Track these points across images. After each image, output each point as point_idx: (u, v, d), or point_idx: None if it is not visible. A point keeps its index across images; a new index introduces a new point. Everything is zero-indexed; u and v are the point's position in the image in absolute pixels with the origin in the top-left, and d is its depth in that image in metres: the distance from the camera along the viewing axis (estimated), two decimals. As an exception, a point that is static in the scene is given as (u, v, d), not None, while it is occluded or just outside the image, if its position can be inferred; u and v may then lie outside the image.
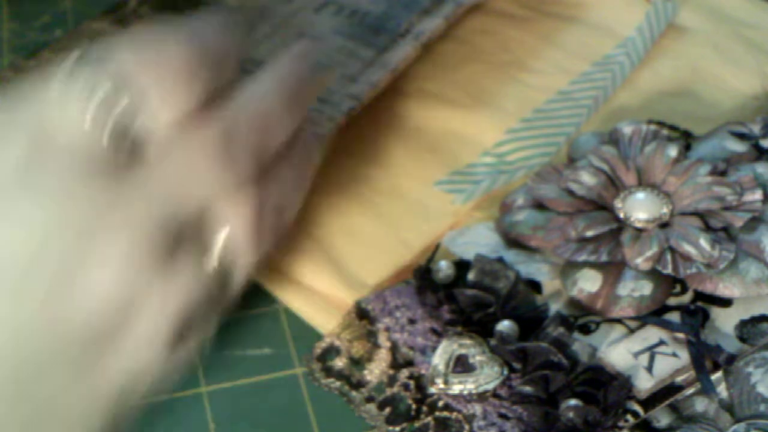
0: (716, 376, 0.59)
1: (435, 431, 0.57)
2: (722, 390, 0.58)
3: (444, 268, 0.65)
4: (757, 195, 0.65)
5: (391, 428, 0.58)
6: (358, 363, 0.62)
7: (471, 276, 0.65)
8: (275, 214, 0.55)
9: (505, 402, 0.57)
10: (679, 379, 0.58)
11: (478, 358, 0.59)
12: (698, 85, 0.82)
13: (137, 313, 0.45)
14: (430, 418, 0.58)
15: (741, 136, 0.72)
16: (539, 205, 0.69)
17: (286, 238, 0.61)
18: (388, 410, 0.58)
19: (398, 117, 0.79)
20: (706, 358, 0.58)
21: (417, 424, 0.58)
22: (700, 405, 0.58)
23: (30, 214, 0.44)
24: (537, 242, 0.68)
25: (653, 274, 0.63)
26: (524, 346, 0.58)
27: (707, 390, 0.57)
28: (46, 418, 0.44)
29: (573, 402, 0.55)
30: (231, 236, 0.49)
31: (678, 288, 0.64)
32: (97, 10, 0.92)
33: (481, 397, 0.58)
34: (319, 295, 0.67)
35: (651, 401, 0.57)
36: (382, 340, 0.62)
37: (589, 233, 0.65)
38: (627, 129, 0.72)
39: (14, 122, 0.46)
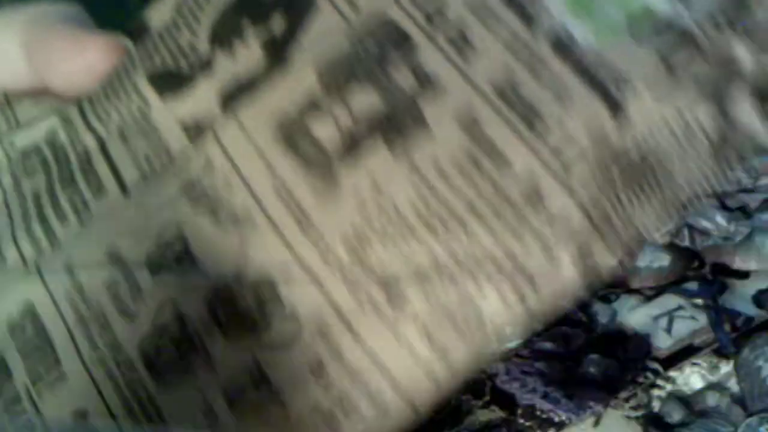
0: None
1: (460, 390, 0.59)
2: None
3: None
4: (772, 176, 0.67)
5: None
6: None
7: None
8: None
9: (528, 359, 0.59)
10: (698, 341, 0.59)
11: (501, 320, 0.60)
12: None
13: None
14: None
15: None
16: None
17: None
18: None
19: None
20: (724, 320, 0.59)
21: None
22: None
23: None
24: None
25: (671, 247, 0.65)
26: (546, 306, 0.59)
27: (724, 347, 0.58)
28: None
29: (593, 356, 0.57)
30: None
31: (696, 263, 0.66)
32: (96, 10, 0.94)
33: (504, 355, 0.59)
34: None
35: (670, 360, 0.58)
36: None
37: (609, 212, 0.67)
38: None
39: None
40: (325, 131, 0.40)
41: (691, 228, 0.65)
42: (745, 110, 0.37)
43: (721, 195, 0.67)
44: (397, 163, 0.38)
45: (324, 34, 0.43)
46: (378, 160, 0.39)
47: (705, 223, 0.64)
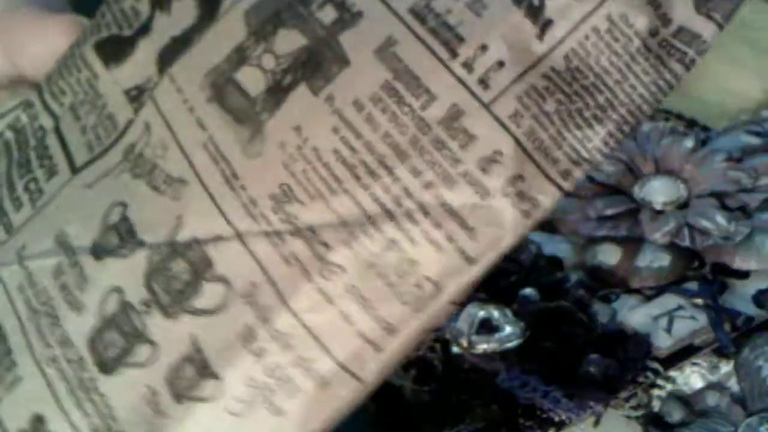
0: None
1: (460, 390, 0.59)
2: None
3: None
4: (772, 178, 0.68)
5: (418, 387, 0.59)
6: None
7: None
8: None
9: (528, 359, 0.59)
10: (698, 341, 0.60)
11: (501, 320, 0.60)
12: (700, 85, 0.84)
13: None
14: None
15: (757, 134, 0.75)
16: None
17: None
18: (414, 371, 0.60)
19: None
20: (724, 320, 0.60)
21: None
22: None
23: None
24: (559, 223, 0.70)
25: (671, 247, 0.65)
26: (546, 306, 0.60)
27: (725, 347, 0.58)
28: None
29: (593, 356, 0.57)
30: None
31: (696, 263, 0.66)
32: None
33: (505, 355, 0.59)
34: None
35: (670, 360, 0.59)
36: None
37: (609, 212, 0.67)
38: (645, 126, 0.74)
39: None
40: (251, 79, 0.39)
41: (691, 228, 0.65)
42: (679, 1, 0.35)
43: (721, 195, 0.67)
44: (319, 106, 0.37)
45: None
46: (301, 104, 0.37)
47: (705, 223, 0.65)
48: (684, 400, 0.59)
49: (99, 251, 0.40)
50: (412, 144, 0.35)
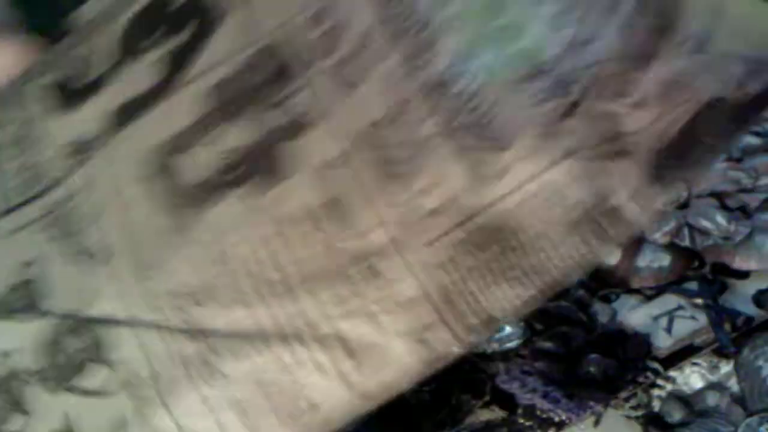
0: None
1: (460, 390, 0.59)
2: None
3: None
4: (772, 178, 0.68)
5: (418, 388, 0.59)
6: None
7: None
8: None
9: (528, 359, 0.59)
10: (698, 340, 0.60)
11: (501, 320, 0.60)
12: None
13: None
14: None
15: (757, 134, 0.75)
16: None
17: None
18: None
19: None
20: (724, 320, 0.60)
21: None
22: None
23: None
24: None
25: (671, 247, 0.65)
26: (546, 306, 0.60)
27: (724, 346, 0.58)
28: None
29: (593, 356, 0.57)
30: None
31: (696, 263, 0.66)
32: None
33: (505, 355, 0.59)
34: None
35: (670, 360, 0.59)
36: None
37: (609, 212, 0.67)
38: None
39: None
40: (191, 168, 0.38)
41: (691, 228, 0.65)
42: (622, 178, 0.35)
43: (721, 195, 0.68)
44: (244, 216, 0.37)
45: (220, 52, 0.41)
46: (229, 209, 0.37)
47: (705, 223, 0.65)
48: (684, 400, 0.59)
49: (1, 313, 0.40)
50: (321, 271, 0.35)
